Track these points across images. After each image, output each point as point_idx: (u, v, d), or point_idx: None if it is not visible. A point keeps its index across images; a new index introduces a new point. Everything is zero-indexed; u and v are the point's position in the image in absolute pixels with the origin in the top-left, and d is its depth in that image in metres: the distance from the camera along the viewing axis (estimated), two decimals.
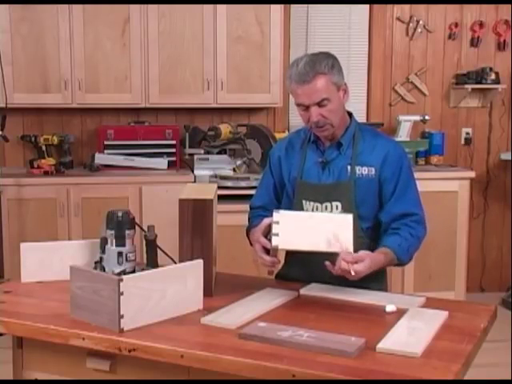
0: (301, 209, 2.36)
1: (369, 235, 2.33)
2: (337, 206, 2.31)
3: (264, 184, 2.53)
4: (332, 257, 2.09)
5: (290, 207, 2.38)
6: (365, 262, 2.08)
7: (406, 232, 2.28)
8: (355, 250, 2.13)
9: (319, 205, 2.33)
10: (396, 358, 1.69)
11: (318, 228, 2.10)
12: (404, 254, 2.26)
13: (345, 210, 2.27)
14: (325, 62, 2.23)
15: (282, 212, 2.17)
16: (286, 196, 2.45)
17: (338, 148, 2.35)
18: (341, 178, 2.32)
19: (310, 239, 2.10)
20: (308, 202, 2.35)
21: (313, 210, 2.34)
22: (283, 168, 2.44)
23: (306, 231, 2.11)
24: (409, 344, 1.75)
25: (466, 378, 1.74)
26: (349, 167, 2.32)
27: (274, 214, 2.14)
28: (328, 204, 2.32)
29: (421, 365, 1.65)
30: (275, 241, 2.11)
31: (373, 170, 2.31)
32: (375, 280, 2.34)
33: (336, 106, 2.26)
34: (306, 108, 2.25)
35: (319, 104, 2.23)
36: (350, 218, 2.11)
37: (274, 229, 2.11)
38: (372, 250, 2.37)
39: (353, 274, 2.05)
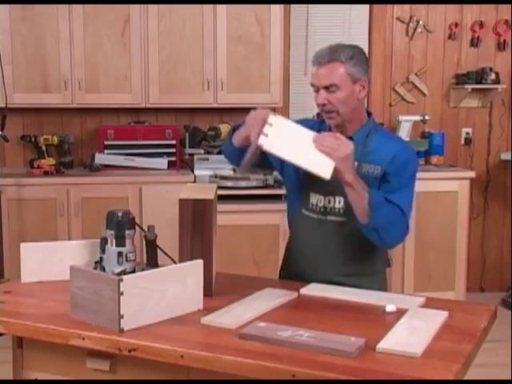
0: (308, 200, 2.35)
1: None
2: (339, 201, 2.29)
3: None
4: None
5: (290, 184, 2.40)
6: (346, 144, 2.07)
7: (391, 207, 2.20)
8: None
9: (322, 198, 2.32)
10: (396, 358, 1.69)
11: (306, 147, 2.06)
12: (378, 212, 2.14)
13: (347, 205, 2.25)
14: (345, 52, 2.22)
15: (279, 117, 2.11)
16: (288, 173, 2.42)
17: None
18: None
19: (295, 153, 2.06)
20: (314, 194, 2.34)
21: (316, 202, 2.33)
22: None
23: (294, 144, 2.07)
24: (409, 344, 1.75)
25: (466, 378, 1.74)
26: (356, 164, 2.31)
27: (270, 116, 2.08)
28: (331, 198, 2.30)
29: (421, 365, 1.65)
30: (262, 140, 2.04)
31: (379, 168, 2.27)
32: (374, 280, 2.35)
33: (345, 97, 2.22)
34: (317, 90, 2.25)
35: (327, 89, 2.22)
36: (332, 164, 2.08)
37: (266, 129, 2.05)
38: (377, 252, 2.38)
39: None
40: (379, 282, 2.40)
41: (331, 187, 2.26)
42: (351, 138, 2.30)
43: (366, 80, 2.27)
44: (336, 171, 2.07)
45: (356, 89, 2.25)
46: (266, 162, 2.38)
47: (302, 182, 2.37)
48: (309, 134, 2.12)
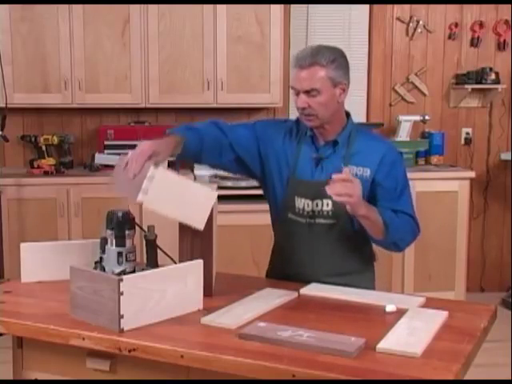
0: (293, 205, 2.34)
1: (362, 235, 2.29)
2: (327, 204, 2.29)
3: (244, 129, 2.42)
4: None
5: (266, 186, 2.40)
6: (356, 183, 2.06)
7: (401, 215, 2.25)
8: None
9: (310, 202, 2.31)
10: (396, 358, 1.69)
11: (183, 198, 2.05)
12: (393, 228, 2.19)
13: (335, 207, 2.26)
14: (327, 55, 2.21)
15: (160, 169, 2.08)
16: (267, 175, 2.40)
17: (334, 146, 2.33)
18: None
19: (173, 207, 2.05)
20: (299, 199, 2.33)
21: (303, 206, 2.32)
22: (275, 155, 2.36)
23: (172, 197, 2.05)
24: (409, 344, 1.75)
25: (466, 378, 1.74)
26: (342, 166, 2.31)
27: (151, 168, 2.04)
28: (319, 201, 2.30)
29: (421, 365, 1.65)
30: (142, 197, 1.99)
31: (368, 171, 2.27)
32: (364, 277, 2.38)
33: (326, 100, 2.22)
34: (297, 93, 2.23)
35: (308, 93, 2.20)
36: (214, 195, 2.09)
37: (145, 184, 2.00)
38: (365, 250, 2.40)
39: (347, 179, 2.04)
40: (368, 278, 2.42)
41: (318, 191, 2.27)
42: (336, 142, 2.31)
43: (346, 83, 2.26)
44: (351, 210, 2.10)
45: (336, 92, 2.24)
46: (245, 171, 2.43)
47: (287, 187, 2.35)
48: (187, 185, 2.11)
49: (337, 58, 2.23)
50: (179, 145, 2.22)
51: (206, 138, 2.30)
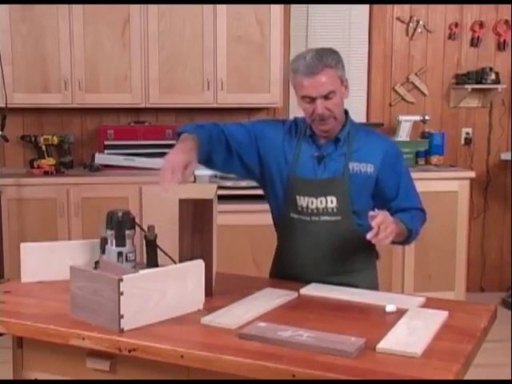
0: (295, 204, 2.34)
1: (366, 231, 2.30)
2: (332, 201, 2.30)
3: (242, 128, 2.39)
4: None
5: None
6: (387, 217, 2.08)
7: (413, 212, 2.34)
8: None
9: (314, 199, 2.32)
10: (396, 358, 1.69)
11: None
12: (414, 226, 2.29)
13: (339, 204, 2.29)
14: (331, 56, 2.25)
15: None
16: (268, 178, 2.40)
17: (335, 143, 2.34)
18: (337, 173, 2.31)
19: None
20: (302, 197, 2.33)
21: (307, 204, 2.32)
22: (274, 153, 2.37)
23: None
24: (409, 344, 1.75)
25: (466, 378, 1.74)
26: (344, 163, 2.32)
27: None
28: (323, 198, 2.31)
29: (421, 365, 1.65)
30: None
31: (372, 166, 2.31)
32: (368, 274, 2.41)
33: (340, 100, 2.28)
34: (312, 100, 2.23)
35: (326, 97, 2.22)
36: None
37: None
38: (369, 248, 2.41)
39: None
40: (372, 276, 2.45)
41: (321, 188, 2.30)
42: (337, 139, 2.33)
43: (346, 79, 2.31)
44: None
45: (343, 90, 2.29)
46: (245, 171, 2.41)
47: (287, 186, 2.35)
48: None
49: (339, 58, 2.28)
50: (197, 148, 2.18)
51: (213, 137, 2.28)
